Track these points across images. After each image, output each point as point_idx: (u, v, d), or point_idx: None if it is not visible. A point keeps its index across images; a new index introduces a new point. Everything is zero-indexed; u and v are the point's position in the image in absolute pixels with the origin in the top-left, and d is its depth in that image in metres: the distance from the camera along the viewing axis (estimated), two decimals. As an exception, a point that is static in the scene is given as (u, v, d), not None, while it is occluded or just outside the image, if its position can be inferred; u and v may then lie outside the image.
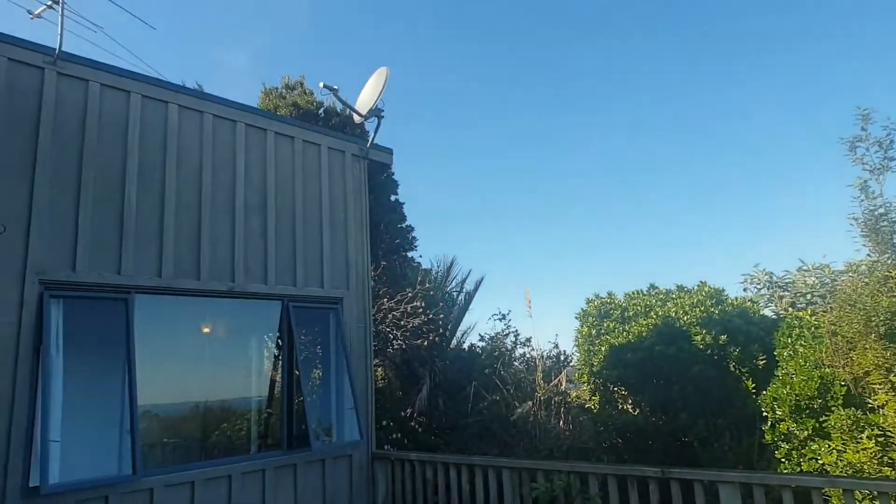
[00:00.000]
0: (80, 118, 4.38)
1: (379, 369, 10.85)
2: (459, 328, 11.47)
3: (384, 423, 8.89)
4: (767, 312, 8.85)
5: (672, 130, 25.19)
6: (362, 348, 6.06)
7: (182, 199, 4.87)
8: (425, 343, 9.49)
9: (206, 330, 7.63)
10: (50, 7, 4.38)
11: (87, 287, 4.22)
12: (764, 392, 6.18)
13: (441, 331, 10.08)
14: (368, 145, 6.42)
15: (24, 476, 3.78)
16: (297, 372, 5.62)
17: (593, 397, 9.38)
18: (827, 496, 4.66)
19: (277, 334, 6.11)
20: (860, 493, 4.45)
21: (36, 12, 4.46)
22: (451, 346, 11.27)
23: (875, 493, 3.39)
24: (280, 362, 5.81)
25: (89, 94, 4.45)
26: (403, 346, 10.24)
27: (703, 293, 8.96)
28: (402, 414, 9.82)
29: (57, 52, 4.25)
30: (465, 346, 11.52)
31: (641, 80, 24.18)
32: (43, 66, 4.24)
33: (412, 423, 9.69)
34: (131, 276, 4.44)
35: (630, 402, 8.95)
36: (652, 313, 9.00)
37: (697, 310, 8.52)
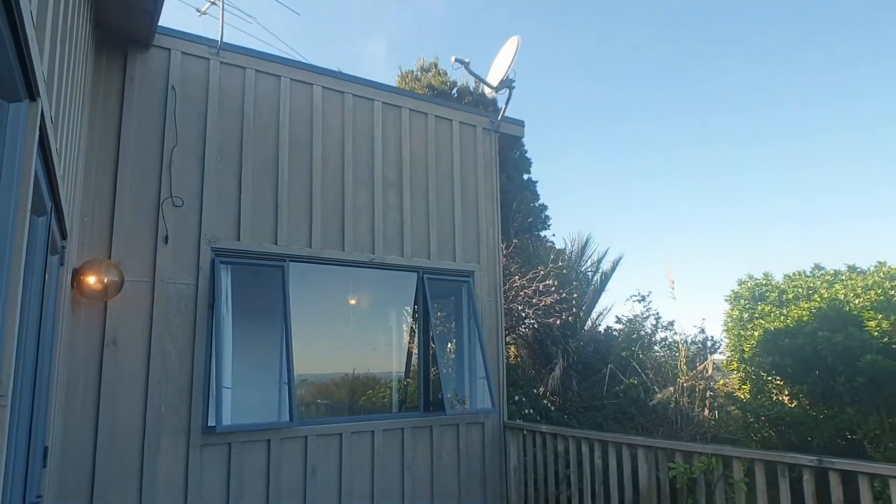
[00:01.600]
0: (239, 102, 4.93)
1: (511, 347, 10.97)
2: (595, 309, 11.17)
3: (516, 398, 8.98)
4: None
5: (842, 95, 22.04)
6: (493, 321, 6.18)
7: (327, 175, 5.30)
8: (558, 322, 9.39)
9: (352, 302, 8.29)
10: (213, 3, 4.97)
11: (249, 255, 4.77)
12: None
13: (574, 310, 9.90)
14: (499, 118, 6.47)
15: (204, 417, 4.41)
16: (432, 342, 5.90)
17: (743, 386, 8.64)
18: None
19: (414, 307, 6.44)
20: None
21: (203, 10, 5.09)
22: (586, 327, 11.03)
23: None
24: (416, 333, 6.12)
25: (246, 79, 4.99)
26: (535, 325, 10.23)
27: (882, 274, 7.80)
28: (535, 391, 9.85)
29: (219, 43, 4.81)
30: (601, 328, 11.19)
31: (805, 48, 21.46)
32: (208, 56, 4.83)
33: (545, 401, 9.68)
34: (286, 245, 4.94)
35: (786, 393, 8.11)
36: (815, 296, 8.02)
37: (872, 292, 7.42)
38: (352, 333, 8.46)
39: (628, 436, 5.14)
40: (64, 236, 2.92)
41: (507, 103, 6.32)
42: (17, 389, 1.97)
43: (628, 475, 4.67)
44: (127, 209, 4.29)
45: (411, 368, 7.89)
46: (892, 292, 7.38)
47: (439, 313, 8.12)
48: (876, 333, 6.93)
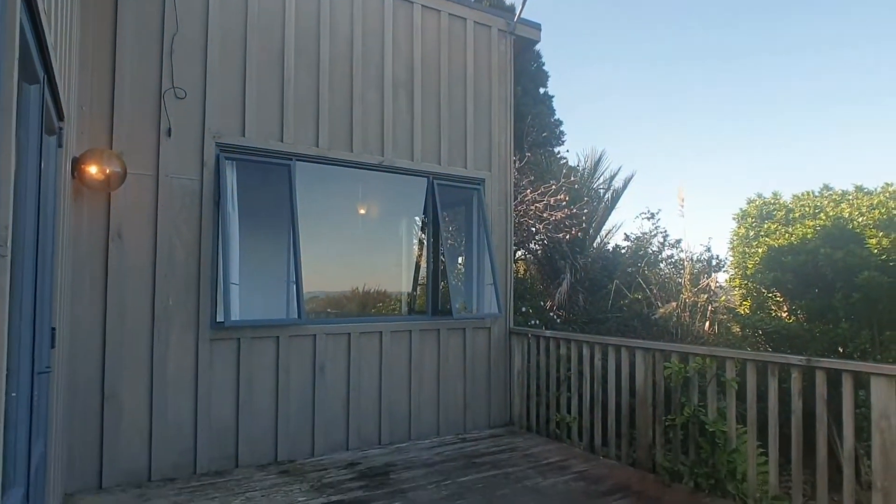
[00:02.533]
0: (242, -6, 4.69)
1: (520, 262, 11.04)
2: (604, 227, 11.13)
3: (524, 309, 9.15)
4: None
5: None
6: (502, 229, 6.17)
7: (335, 73, 5.12)
8: (567, 237, 9.38)
9: (362, 211, 8.28)
10: None
11: (254, 151, 4.70)
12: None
13: (584, 226, 9.86)
14: (515, 18, 6.15)
15: (213, 312, 4.50)
16: (441, 249, 5.91)
17: (744, 302, 8.74)
18: None
19: (423, 217, 6.42)
20: None
21: None
22: (595, 244, 11.03)
23: None
24: (426, 241, 6.12)
25: (249, -29, 4.72)
26: (545, 241, 10.23)
27: (888, 194, 7.69)
28: (542, 304, 10.01)
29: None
30: (610, 246, 11.20)
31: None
32: (210, -56, 4.54)
33: (551, 314, 9.86)
34: (292, 143, 4.85)
35: (785, 309, 8.20)
36: (821, 215, 7.96)
37: (877, 211, 7.38)
38: (362, 245, 8.52)
39: (628, 339, 5.25)
40: (61, 117, 2.85)
41: (524, 3, 6.00)
42: (18, 256, 1.98)
43: (626, 376, 4.80)
44: (127, 98, 4.18)
45: (420, 279, 7.99)
46: (895, 210, 7.33)
47: (450, 227, 8.12)
48: (876, 251, 6.94)
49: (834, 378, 3.65)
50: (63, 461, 3.73)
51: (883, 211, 7.37)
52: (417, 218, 8.36)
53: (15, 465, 1.99)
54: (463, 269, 6.51)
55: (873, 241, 7.00)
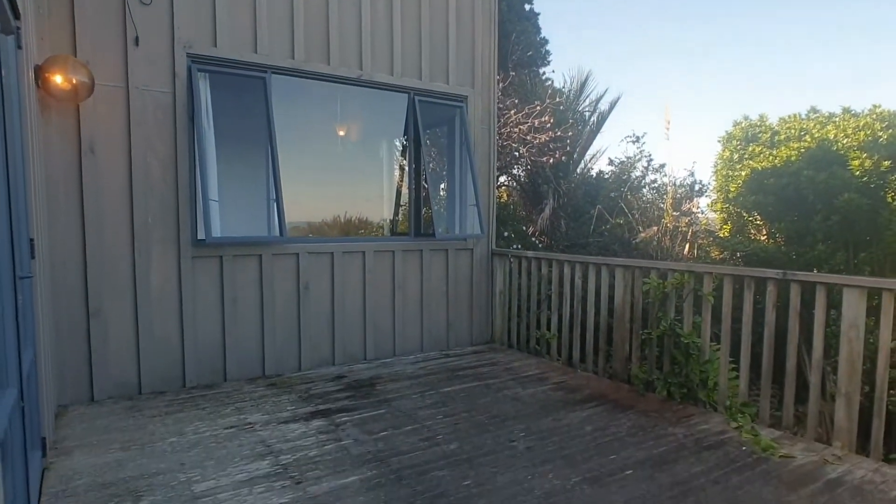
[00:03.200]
0: None
1: (503, 189, 10.99)
2: (588, 151, 11.03)
3: (506, 234, 9.19)
4: None
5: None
6: (485, 148, 6.08)
7: (309, -22, 4.84)
8: (551, 161, 9.30)
9: (341, 132, 8.08)
10: None
11: (228, 63, 4.49)
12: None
13: (568, 149, 9.76)
14: (500, -77, 5.80)
15: (193, 229, 4.45)
16: (423, 169, 5.83)
17: (724, 226, 8.86)
18: None
19: (405, 137, 6.28)
20: None
21: None
22: (579, 169, 10.98)
23: None
24: (408, 160, 6.03)
25: None
26: (528, 165, 10.15)
27: (874, 116, 7.65)
28: (524, 230, 10.06)
29: None
30: (594, 172, 11.15)
31: None
32: None
33: (533, 240, 9.93)
34: (267, 55, 4.64)
35: (764, 233, 8.34)
36: (807, 137, 7.94)
37: (862, 133, 7.38)
38: (342, 170, 8.36)
39: (608, 257, 5.33)
40: (17, 15, 2.67)
41: None
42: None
43: (605, 294, 4.90)
44: (89, 2, 3.92)
45: (402, 206, 7.94)
46: (881, 133, 7.33)
47: (432, 151, 7.98)
48: (858, 173, 7.01)
49: (808, 292, 3.77)
50: (54, 375, 3.78)
51: (868, 133, 7.36)
52: (398, 142, 8.21)
53: (7, 367, 2.00)
54: (445, 193, 6.46)
55: (856, 162, 7.05)
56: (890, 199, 6.83)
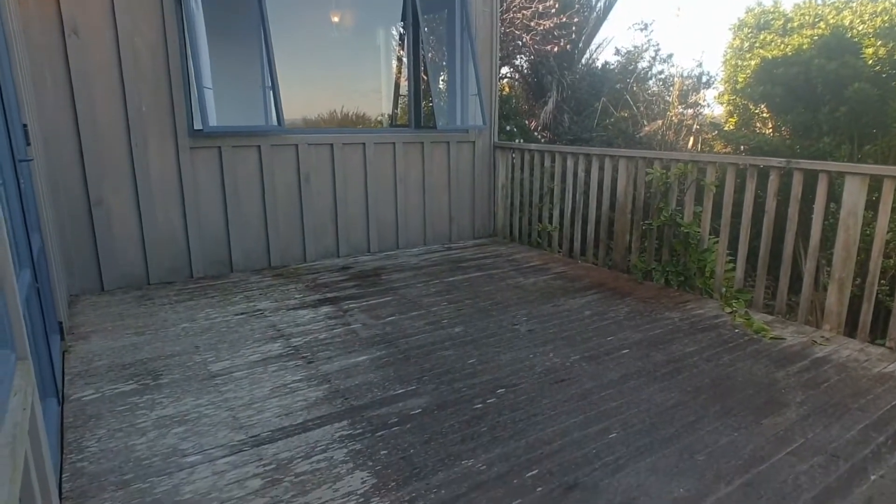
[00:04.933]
0: None
1: (505, 81, 10.60)
2: (594, 41, 10.54)
3: (508, 129, 8.98)
4: None
5: None
6: (487, 35, 5.78)
7: None
8: (555, 49, 8.91)
9: (335, 19, 7.63)
10: None
11: (213, -66, 4.14)
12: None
13: (573, 37, 9.32)
14: None
15: (189, 119, 4.32)
16: (422, 56, 5.57)
17: (731, 119, 8.65)
18: None
19: (402, 24, 5.92)
20: None
21: None
22: (584, 60, 10.53)
23: None
24: (407, 46, 5.74)
25: None
26: (532, 55, 9.72)
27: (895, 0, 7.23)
28: (526, 124, 9.83)
29: None
30: (599, 63, 10.71)
31: None
32: None
33: (536, 134, 9.74)
34: (254, -75, 4.27)
35: (769, 126, 8.16)
36: (821, 23, 7.54)
37: (879, 19, 6.99)
38: (338, 61, 7.98)
39: (612, 149, 5.24)
40: None
41: None
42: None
43: (608, 186, 4.88)
44: None
45: (401, 100, 7.66)
46: (899, 19, 6.97)
47: (431, 39, 7.57)
48: (871, 61, 6.73)
49: (810, 184, 3.75)
50: (63, 263, 3.83)
51: (886, 18, 6.98)
52: (395, 31, 7.77)
53: (17, 249, 2.01)
54: (446, 85, 6.21)
55: (870, 50, 6.75)
56: (901, 90, 6.62)
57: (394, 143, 5.40)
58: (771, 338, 3.39)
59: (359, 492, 1.94)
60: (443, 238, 5.87)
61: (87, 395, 2.61)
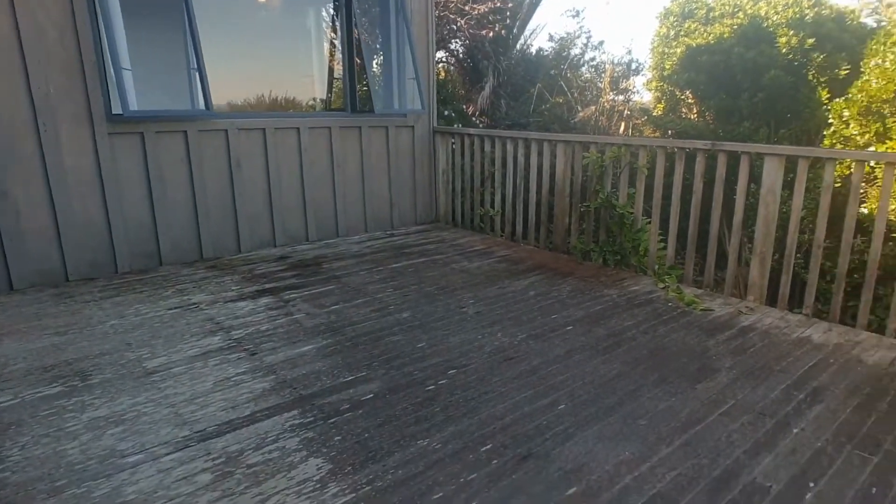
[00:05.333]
0: None
1: (441, 65, 10.57)
2: (528, 26, 10.67)
3: (446, 113, 8.97)
4: (868, 21, 7.74)
5: None
6: (423, 17, 5.73)
7: None
8: (490, 34, 8.95)
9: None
10: None
11: None
12: (837, 99, 5.77)
13: (508, 22, 9.39)
14: None
15: (107, 103, 4.04)
16: (356, 38, 5.45)
17: (658, 104, 9.00)
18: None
19: (334, 4, 5.76)
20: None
21: None
22: (519, 46, 10.66)
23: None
24: (340, 26, 5.60)
25: None
26: (467, 40, 9.74)
27: (802, -8, 7.74)
28: (464, 109, 9.85)
29: None
30: (533, 49, 10.87)
31: None
32: None
33: (474, 119, 9.78)
34: None
35: (695, 111, 8.56)
36: (740, 13, 7.99)
37: (791, 10, 7.50)
38: (266, 42, 7.68)
39: (550, 133, 5.34)
40: None
41: None
42: None
43: (547, 170, 4.97)
44: None
45: (335, 77, 7.48)
46: (808, 10, 7.50)
47: (364, 20, 7.41)
48: (784, 50, 7.19)
49: (733, 166, 3.97)
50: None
51: (796, 10, 7.47)
52: (325, 14, 7.57)
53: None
54: (381, 69, 6.11)
55: (783, 40, 7.20)
56: (810, 78, 7.09)
57: (329, 128, 5.27)
58: (701, 310, 3.58)
59: (315, 478, 1.90)
60: (384, 224, 5.81)
61: (2, 402, 2.41)
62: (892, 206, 4.62)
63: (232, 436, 2.14)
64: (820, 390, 2.54)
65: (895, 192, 3.56)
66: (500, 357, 2.84)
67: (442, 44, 9.64)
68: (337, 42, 5.97)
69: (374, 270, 4.33)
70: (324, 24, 7.70)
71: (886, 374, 2.72)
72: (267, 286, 3.96)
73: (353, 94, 5.53)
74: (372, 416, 2.29)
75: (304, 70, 7.99)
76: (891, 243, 4.54)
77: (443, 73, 10.38)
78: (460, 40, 9.70)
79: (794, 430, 2.22)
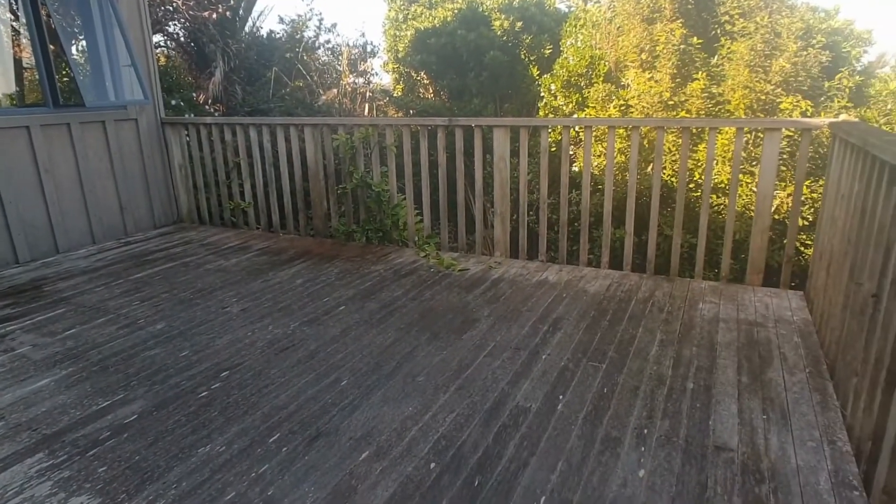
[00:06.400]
0: None
1: (160, 50, 9.51)
2: (255, 8, 10.20)
3: (174, 103, 8.15)
4: (561, 7, 9.27)
5: None
6: (132, -4, 5.07)
7: None
8: (214, 16, 8.32)
9: None
10: None
11: None
12: (545, 75, 6.81)
13: (232, 3, 8.84)
14: None
15: None
16: (44, 15, 4.58)
17: (398, 86, 9.48)
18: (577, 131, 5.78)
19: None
20: (598, 127, 5.55)
21: None
22: (248, 28, 10.13)
23: (608, 127, 4.07)
24: (25, 12, 4.64)
25: None
26: (187, 22, 8.91)
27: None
28: (193, 97, 9.05)
29: None
30: (264, 32, 10.45)
31: None
32: None
33: (207, 107, 9.05)
34: None
35: (431, 90, 9.24)
36: (458, -1, 8.85)
37: (501, -5, 8.61)
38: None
39: (295, 117, 5.24)
40: None
41: None
42: None
43: (297, 155, 4.88)
44: None
45: (25, 67, 6.23)
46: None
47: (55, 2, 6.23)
48: (499, 32, 8.19)
49: (469, 138, 4.41)
50: None
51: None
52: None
53: None
54: (86, 56, 5.26)
55: (497, 23, 8.16)
56: (523, 57, 8.18)
57: (28, 127, 4.38)
58: (459, 270, 3.94)
59: (75, 525, 1.63)
60: (117, 232, 5.09)
61: None
62: (595, 163, 5.65)
63: (-53, 511, 1.71)
64: (559, 320, 3.03)
65: (622, 147, 4.34)
66: (275, 349, 2.75)
67: (158, 27, 8.66)
68: (18, 25, 4.93)
69: (112, 285, 3.79)
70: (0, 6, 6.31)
71: (605, 298, 3.36)
72: (-33, 325, 3.18)
73: (52, 86, 4.66)
74: (140, 438, 2.03)
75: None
76: (598, 194, 5.53)
77: (163, 60, 9.38)
78: (180, 22, 8.84)
79: (543, 357, 2.61)
